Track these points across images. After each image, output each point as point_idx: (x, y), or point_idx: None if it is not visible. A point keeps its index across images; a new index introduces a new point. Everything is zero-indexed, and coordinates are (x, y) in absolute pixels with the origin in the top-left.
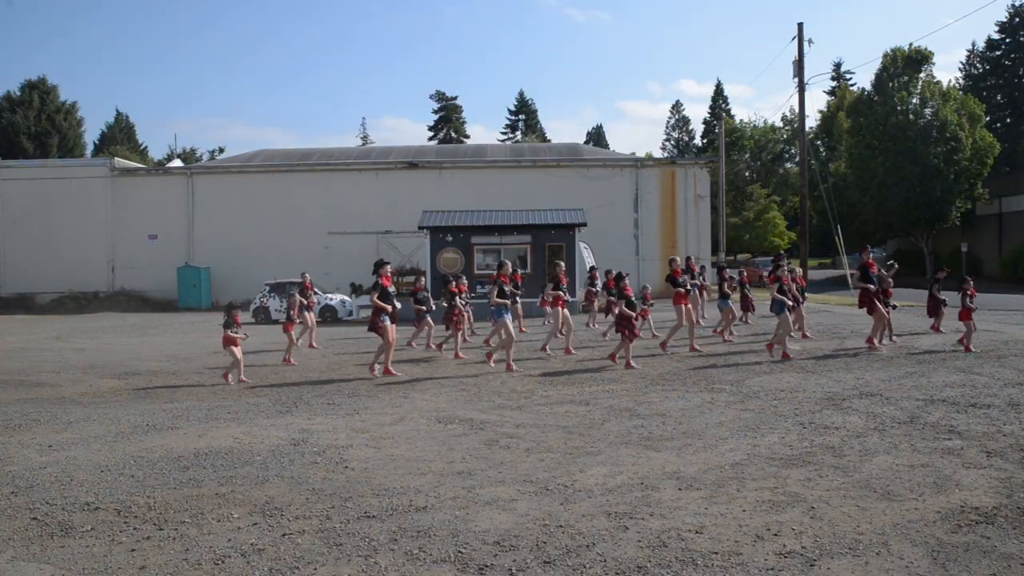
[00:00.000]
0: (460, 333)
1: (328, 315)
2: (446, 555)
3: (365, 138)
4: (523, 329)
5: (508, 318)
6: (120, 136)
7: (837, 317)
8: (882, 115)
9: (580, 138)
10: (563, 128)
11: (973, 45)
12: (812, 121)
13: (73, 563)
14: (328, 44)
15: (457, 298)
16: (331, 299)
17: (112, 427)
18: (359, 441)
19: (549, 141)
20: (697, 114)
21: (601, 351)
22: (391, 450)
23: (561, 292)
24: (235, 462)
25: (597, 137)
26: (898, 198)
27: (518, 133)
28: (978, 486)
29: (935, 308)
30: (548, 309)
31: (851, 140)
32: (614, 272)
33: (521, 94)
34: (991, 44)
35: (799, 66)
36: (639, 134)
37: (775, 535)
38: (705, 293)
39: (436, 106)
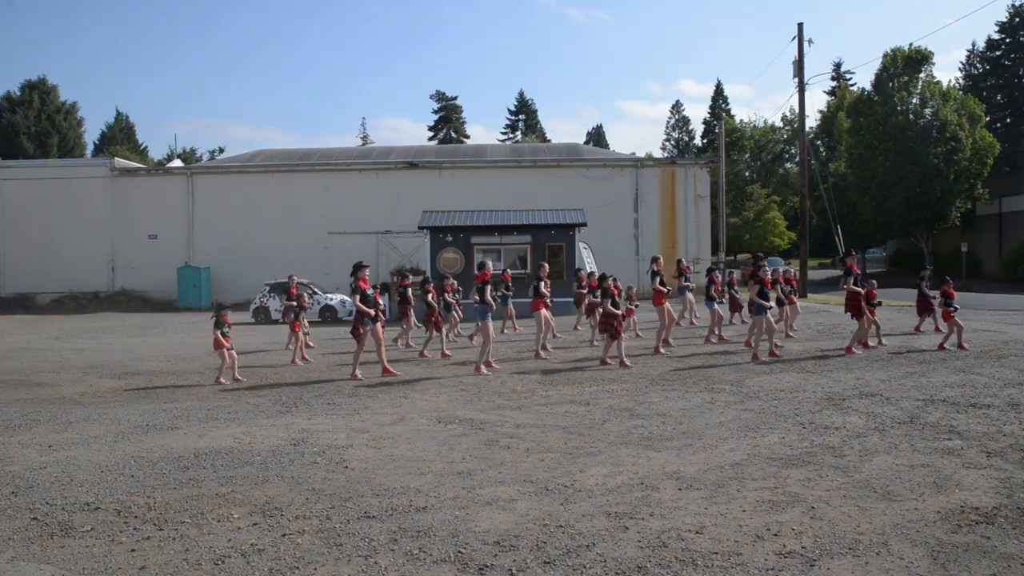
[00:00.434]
0: (442, 332)
1: (328, 315)
2: (446, 555)
3: (365, 138)
4: (517, 329)
5: (490, 319)
6: (120, 136)
7: (836, 317)
8: (882, 115)
9: (580, 138)
10: (563, 128)
11: (973, 45)
12: (812, 121)
13: (73, 563)
14: (328, 44)
15: (431, 296)
16: (331, 299)
17: (112, 427)
18: (359, 441)
19: (549, 141)
20: (697, 114)
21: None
22: (391, 450)
23: (544, 294)
24: (235, 462)
25: (597, 137)
26: (898, 198)
27: (518, 133)
28: (978, 486)
29: (926, 306)
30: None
31: (851, 140)
32: (597, 274)
33: (521, 94)
34: (991, 44)
35: (799, 66)
36: (639, 134)
37: (775, 535)
38: (692, 295)
39: (436, 106)
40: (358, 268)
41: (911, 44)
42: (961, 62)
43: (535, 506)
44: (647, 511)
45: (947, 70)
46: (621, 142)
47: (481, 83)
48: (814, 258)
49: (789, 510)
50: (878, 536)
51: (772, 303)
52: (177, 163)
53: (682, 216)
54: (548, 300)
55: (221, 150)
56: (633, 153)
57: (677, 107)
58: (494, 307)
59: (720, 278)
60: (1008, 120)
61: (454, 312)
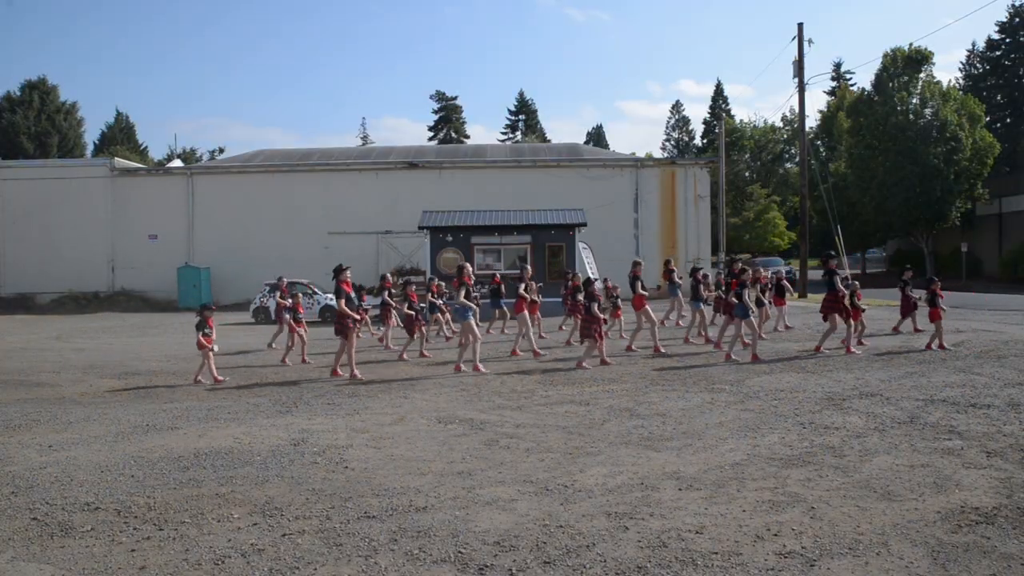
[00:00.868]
0: (422, 333)
1: (328, 315)
2: (446, 555)
3: (365, 138)
4: (505, 331)
5: (473, 319)
6: (120, 136)
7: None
8: (882, 115)
9: (580, 138)
10: (563, 128)
11: (973, 45)
12: (812, 121)
13: (73, 563)
14: (328, 44)
15: (411, 299)
16: (331, 299)
17: (112, 427)
18: (359, 441)
19: (549, 141)
20: (697, 114)
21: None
22: (391, 450)
23: (524, 295)
24: (235, 462)
25: (597, 137)
26: (898, 198)
27: (518, 133)
28: (978, 486)
29: (908, 308)
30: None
31: (851, 140)
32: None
33: (521, 94)
34: (991, 44)
35: (799, 66)
36: (639, 134)
37: (775, 535)
38: (681, 295)
39: (436, 106)
40: (339, 271)
41: (911, 44)
42: (961, 62)
43: (535, 506)
44: (647, 511)
45: (947, 70)
46: (621, 142)
47: (481, 83)
48: (814, 258)
49: (789, 510)
50: (878, 536)
51: (752, 304)
52: (177, 163)
53: (682, 216)
54: (537, 300)
55: (221, 150)
56: (633, 153)
57: (677, 107)
58: (475, 308)
59: (707, 278)
60: (1008, 120)
61: (439, 313)
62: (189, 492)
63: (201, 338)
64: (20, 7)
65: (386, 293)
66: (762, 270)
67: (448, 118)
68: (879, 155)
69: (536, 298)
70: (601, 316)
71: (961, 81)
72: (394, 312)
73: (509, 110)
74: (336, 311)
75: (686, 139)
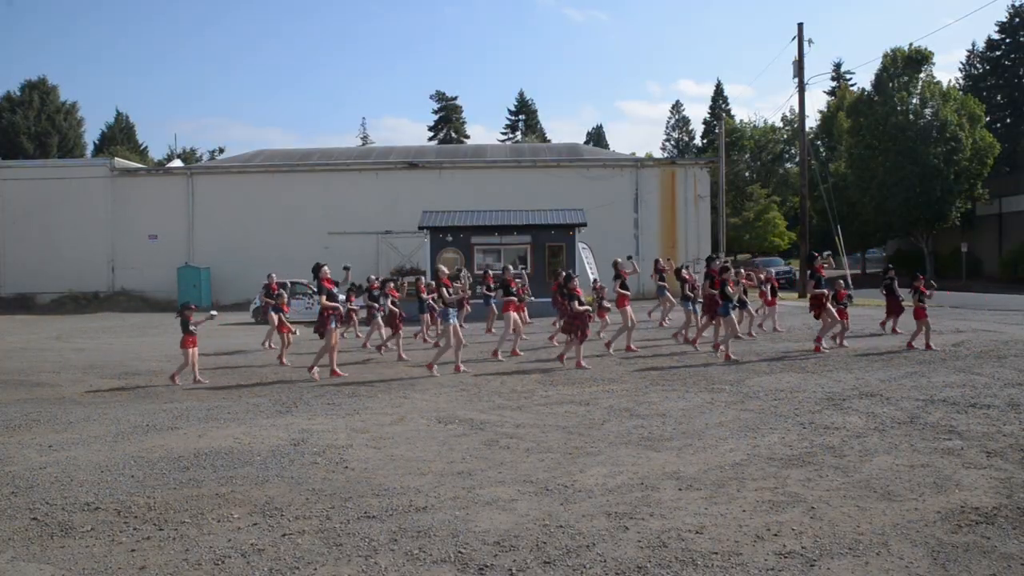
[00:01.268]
0: (399, 334)
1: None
2: (446, 555)
3: (365, 138)
4: (490, 331)
5: (454, 320)
6: (120, 136)
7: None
8: (882, 115)
9: (580, 138)
10: (563, 128)
11: (973, 45)
12: (812, 121)
13: (73, 563)
14: (328, 44)
15: (389, 300)
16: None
17: (112, 427)
18: (359, 441)
19: (549, 141)
20: (697, 114)
21: (600, 351)
22: (391, 450)
23: (512, 297)
24: (235, 462)
25: (597, 137)
26: (898, 198)
27: (518, 133)
28: (978, 486)
29: (895, 307)
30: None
31: (851, 140)
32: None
33: (521, 94)
34: (991, 44)
35: (799, 66)
36: (639, 134)
37: (775, 535)
38: (670, 295)
39: (436, 106)
40: (318, 268)
41: (911, 44)
42: (961, 62)
43: (535, 506)
44: (647, 511)
45: (947, 70)
46: (621, 142)
47: (481, 83)
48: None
49: (789, 510)
50: (878, 536)
51: (735, 303)
52: (177, 163)
53: (682, 216)
54: (526, 300)
55: (221, 150)
56: (633, 153)
57: (677, 107)
58: (456, 310)
59: (694, 278)
60: (1008, 120)
61: (429, 313)
62: (189, 492)
63: (187, 336)
64: (20, 7)
65: (366, 295)
66: (743, 271)
67: (448, 118)
68: (879, 155)
69: (524, 298)
70: (584, 312)
71: (961, 81)
72: (378, 314)
73: (509, 110)
74: (320, 307)
75: (686, 139)
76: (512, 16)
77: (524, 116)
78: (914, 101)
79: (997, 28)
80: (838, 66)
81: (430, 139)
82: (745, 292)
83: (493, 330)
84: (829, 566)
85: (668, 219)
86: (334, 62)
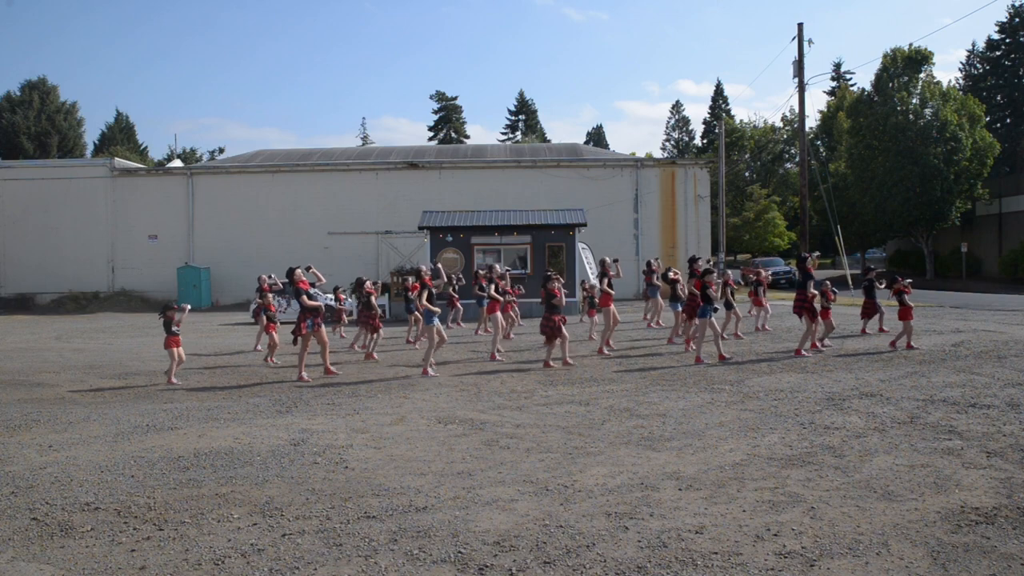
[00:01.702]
0: (377, 335)
1: (329, 316)
2: (446, 555)
3: (365, 138)
4: (479, 332)
5: (437, 322)
6: (120, 136)
7: (845, 319)
8: (882, 115)
9: (580, 138)
10: (563, 128)
11: (973, 45)
12: (812, 121)
13: (73, 563)
14: (327, 44)
15: (372, 298)
16: (330, 299)
17: (112, 427)
18: (359, 441)
19: (549, 141)
20: (697, 114)
21: (601, 350)
22: (391, 450)
23: (497, 297)
24: (235, 462)
25: (597, 137)
26: (898, 198)
27: (518, 133)
28: (978, 486)
29: (871, 309)
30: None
31: (851, 140)
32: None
33: (521, 94)
34: (991, 44)
35: (799, 66)
36: (639, 134)
37: (775, 535)
38: (660, 296)
39: (436, 106)
40: (291, 272)
41: (911, 44)
42: (961, 62)
43: (535, 506)
44: (647, 511)
45: (947, 70)
46: (621, 142)
47: (481, 83)
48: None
49: (789, 510)
50: (878, 536)
51: (718, 305)
52: (177, 163)
53: (682, 216)
54: (514, 300)
55: (221, 150)
56: (633, 153)
57: (677, 107)
58: (439, 311)
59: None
60: (1008, 120)
61: (415, 313)
62: (189, 492)
63: (170, 336)
64: (20, 7)
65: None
66: (727, 272)
67: (448, 118)
68: (879, 155)
69: (512, 298)
70: (561, 315)
71: (961, 81)
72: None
73: (509, 110)
74: (301, 309)
75: (686, 139)
76: (512, 16)
77: (524, 116)
78: (914, 101)
79: (997, 28)
80: (838, 66)
81: (430, 139)
82: (733, 294)
83: (480, 332)
84: (829, 566)
85: (668, 219)
86: (333, 62)
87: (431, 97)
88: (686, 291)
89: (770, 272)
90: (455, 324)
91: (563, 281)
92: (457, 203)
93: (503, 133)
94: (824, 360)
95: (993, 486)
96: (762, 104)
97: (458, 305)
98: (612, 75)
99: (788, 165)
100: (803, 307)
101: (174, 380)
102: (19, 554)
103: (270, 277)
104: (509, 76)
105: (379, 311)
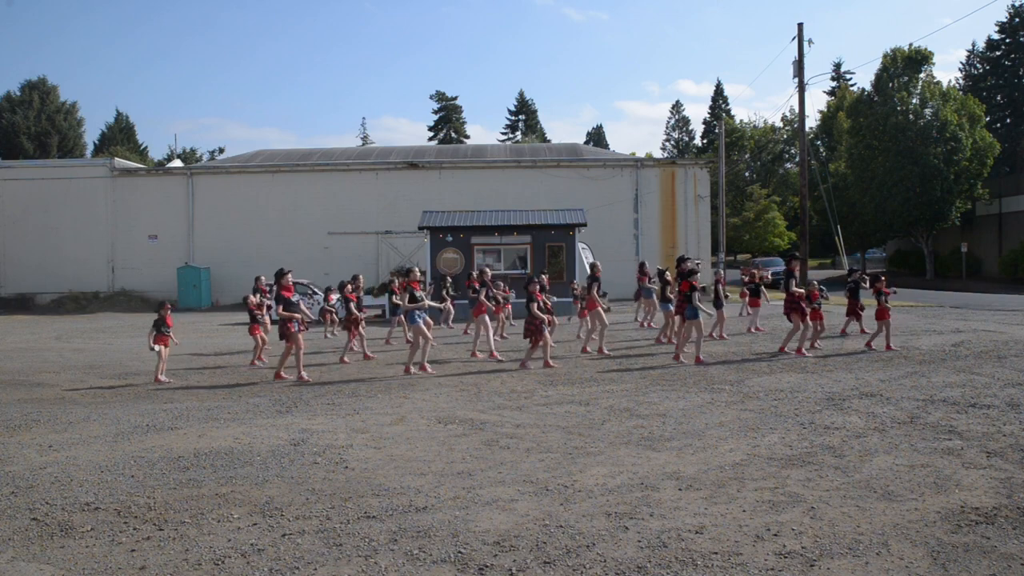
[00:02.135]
0: (359, 336)
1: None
2: (446, 555)
3: (365, 138)
4: (467, 332)
5: (422, 322)
6: (120, 136)
7: (834, 318)
8: (882, 115)
9: (580, 138)
10: (563, 128)
11: (973, 45)
12: (812, 121)
13: (73, 563)
14: (327, 44)
15: (351, 303)
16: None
17: (112, 427)
18: (359, 441)
19: (549, 141)
20: (697, 114)
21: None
22: (391, 450)
23: (483, 299)
24: (235, 462)
25: (597, 137)
26: (898, 198)
27: (518, 133)
28: (978, 486)
29: (853, 309)
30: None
31: (851, 140)
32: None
33: (521, 94)
34: (991, 44)
35: (799, 66)
36: (639, 134)
37: (775, 535)
38: (655, 297)
39: (436, 106)
40: (280, 275)
41: (911, 44)
42: (961, 62)
43: (535, 506)
44: (647, 511)
45: (947, 70)
46: (621, 142)
47: (481, 83)
48: (814, 258)
49: (789, 510)
50: (878, 536)
51: (705, 306)
52: (177, 163)
53: (682, 216)
54: (506, 301)
55: (221, 150)
56: (633, 153)
57: (677, 107)
58: (424, 310)
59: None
60: (1008, 120)
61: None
62: (189, 492)
63: (156, 335)
64: (20, 7)
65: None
66: (715, 272)
67: (448, 118)
68: (879, 155)
69: (502, 299)
70: (542, 316)
71: (961, 81)
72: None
73: (509, 110)
74: (279, 316)
75: (686, 139)
76: (512, 16)
77: (524, 116)
78: (914, 101)
79: (997, 28)
80: (838, 66)
81: (430, 139)
82: (725, 295)
83: (470, 332)
84: (829, 566)
85: (668, 219)
86: (333, 62)
87: (431, 97)
88: (675, 292)
89: (769, 272)
90: (446, 325)
91: (546, 284)
92: (457, 203)
93: (503, 133)
94: (824, 360)
95: (993, 486)
96: (762, 104)
97: (451, 306)
98: (612, 75)
99: (788, 165)
100: (792, 308)
101: (161, 378)
102: (19, 554)
103: (257, 280)
104: (509, 76)
105: (357, 315)
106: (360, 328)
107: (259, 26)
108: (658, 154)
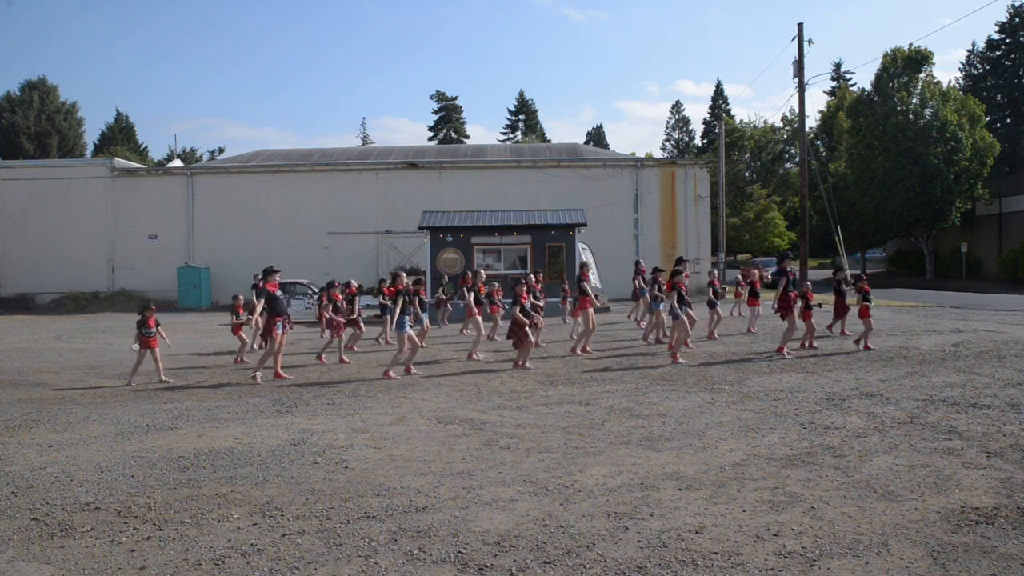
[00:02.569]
0: (341, 338)
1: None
2: (446, 555)
3: (365, 138)
4: (464, 332)
5: (408, 329)
6: (120, 136)
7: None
8: (882, 115)
9: (580, 138)
10: (563, 128)
11: (973, 45)
12: (812, 121)
13: (73, 563)
14: (327, 44)
15: (337, 302)
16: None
17: (112, 427)
18: (359, 441)
19: (549, 141)
20: (697, 114)
21: (606, 351)
22: (391, 450)
23: (471, 301)
24: (235, 462)
25: (597, 137)
26: (898, 198)
27: (518, 133)
28: (978, 486)
29: (841, 308)
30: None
31: (851, 140)
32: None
33: (521, 94)
34: (991, 44)
35: (799, 66)
36: (639, 134)
37: (775, 535)
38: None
39: (436, 106)
40: (269, 272)
41: (911, 44)
42: (961, 62)
43: (535, 506)
44: (647, 511)
45: (947, 70)
46: (621, 142)
47: (481, 83)
48: (814, 258)
49: (789, 510)
50: (878, 536)
51: (688, 308)
52: (177, 163)
53: (682, 216)
54: (500, 303)
55: (221, 150)
56: (633, 153)
57: (677, 107)
58: (409, 316)
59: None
60: (1008, 120)
61: (389, 316)
62: (189, 492)
63: (141, 336)
64: (20, 7)
65: (324, 300)
66: (710, 272)
67: (448, 118)
68: (879, 155)
69: (496, 300)
70: (525, 319)
71: (961, 81)
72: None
73: (509, 110)
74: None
75: (686, 139)
76: (512, 16)
77: (524, 116)
78: (914, 101)
79: (997, 28)
80: (838, 66)
81: (430, 139)
82: (718, 295)
83: (465, 332)
84: (829, 566)
85: (668, 219)
86: (333, 62)
87: (431, 97)
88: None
89: (769, 272)
90: (444, 323)
91: (534, 286)
92: (457, 203)
93: (503, 133)
94: (824, 360)
95: (993, 486)
96: (762, 104)
97: (448, 306)
98: (612, 75)
99: (788, 165)
100: (785, 307)
101: (133, 382)
102: (19, 554)
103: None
104: (509, 76)
105: (340, 318)
106: (342, 332)
107: (259, 26)
108: (658, 154)
